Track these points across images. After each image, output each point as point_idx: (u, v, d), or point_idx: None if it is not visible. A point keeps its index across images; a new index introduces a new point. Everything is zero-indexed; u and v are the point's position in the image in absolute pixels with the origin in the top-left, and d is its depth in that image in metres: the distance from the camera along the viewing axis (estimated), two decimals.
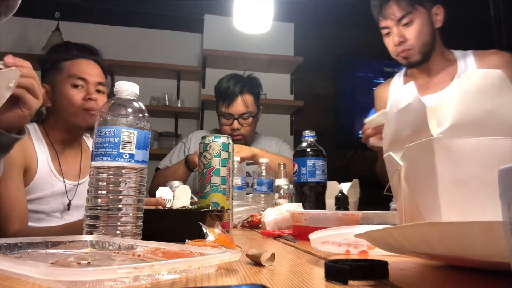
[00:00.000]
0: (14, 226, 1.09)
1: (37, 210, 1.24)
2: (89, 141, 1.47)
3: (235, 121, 1.92)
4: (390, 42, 1.50)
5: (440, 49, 1.51)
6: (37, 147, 1.27)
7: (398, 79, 1.69)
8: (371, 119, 1.31)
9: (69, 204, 1.31)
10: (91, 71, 1.31)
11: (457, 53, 1.53)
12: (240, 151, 1.69)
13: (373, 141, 1.34)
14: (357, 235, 0.44)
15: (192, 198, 1.23)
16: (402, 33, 1.45)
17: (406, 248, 0.39)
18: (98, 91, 1.32)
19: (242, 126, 1.93)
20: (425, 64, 1.51)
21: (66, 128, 1.31)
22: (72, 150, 1.36)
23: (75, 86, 1.28)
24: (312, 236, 0.54)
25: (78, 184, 1.34)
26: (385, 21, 1.48)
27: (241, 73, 2.07)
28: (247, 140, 1.99)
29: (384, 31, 1.51)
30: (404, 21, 1.44)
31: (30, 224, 1.19)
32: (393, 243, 0.39)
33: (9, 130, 0.81)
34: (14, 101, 0.78)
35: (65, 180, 1.30)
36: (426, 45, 1.47)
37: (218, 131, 2.04)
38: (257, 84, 2.04)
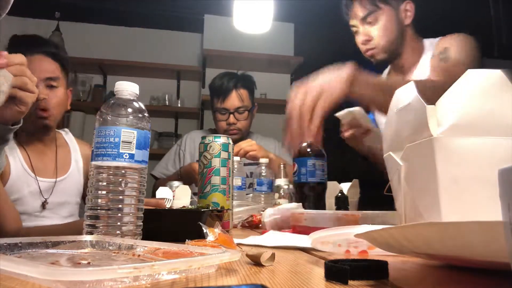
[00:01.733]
0: (9, 225, 1.08)
1: (19, 211, 1.22)
2: (67, 137, 1.43)
3: (231, 116, 1.92)
4: (358, 40, 1.49)
5: (412, 43, 1.46)
6: (7, 149, 1.25)
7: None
8: (341, 114, 1.32)
9: (44, 203, 1.28)
10: (37, 67, 1.21)
11: (426, 42, 1.48)
12: (258, 150, 1.69)
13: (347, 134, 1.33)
14: (357, 235, 0.44)
15: (191, 198, 1.23)
16: (366, 32, 1.43)
17: (406, 248, 0.39)
18: (49, 86, 1.25)
19: (238, 121, 1.94)
20: (396, 61, 1.48)
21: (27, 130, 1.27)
22: (45, 147, 1.33)
23: None
24: (312, 236, 0.54)
25: (56, 182, 1.31)
26: (352, 20, 1.46)
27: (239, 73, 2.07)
28: (243, 136, 1.99)
29: (354, 29, 1.49)
30: (368, 19, 1.41)
31: None
32: (393, 243, 0.39)
33: (5, 124, 0.82)
34: (10, 98, 0.78)
35: (41, 178, 1.27)
36: (391, 43, 1.43)
37: (213, 131, 2.04)
38: (251, 80, 2.05)
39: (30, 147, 1.29)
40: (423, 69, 1.42)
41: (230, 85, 1.93)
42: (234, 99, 1.93)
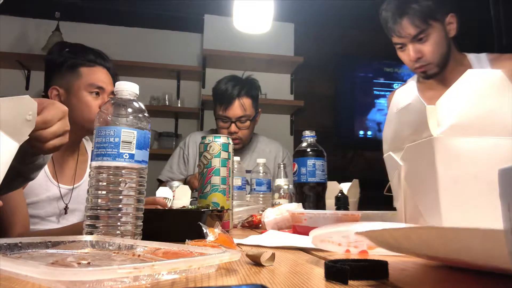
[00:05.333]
0: (16, 230, 1.09)
1: (32, 215, 1.23)
2: (88, 144, 1.46)
3: (233, 125, 1.89)
4: (404, 56, 1.47)
5: (454, 55, 1.48)
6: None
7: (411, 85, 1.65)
8: None
9: (66, 208, 1.30)
10: (107, 80, 1.34)
11: (471, 56, 1.50)
12: None
13: None
14: (358, 233, 0.44)
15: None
16: (418, 49, 1.41)
17: (406, 249, 0.39)
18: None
19: (240, 130, 1.91)
20: (442, 73, 1.49)
21: (72, 130, 1.29)
22: (70, 154, 1.35)
23: (93, 93, 1.30)
24: (312, 233, 0.54)
25: (73, 188, 1.33)
26: (397, 38, 1.44)
27: (241, 73, 2.04)
28: (244, 144, 1.97)
29: (398, 46, 1.48)
30: (419, 37, 1.40)
31: None
32: (393, 243, 0.39)
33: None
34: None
35: (60, 185, 1.29)
36: (443, 57, 1.44)
37: (215, 132, 2.03)
38: (256, 86, 2.00)
39: (58, 153, 1.28)
40: None
41: (234, 94, 1.88)
42: (237, 109, 1.89)
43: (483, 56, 1.48)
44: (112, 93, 1.34)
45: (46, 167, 1.26)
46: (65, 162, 1.34)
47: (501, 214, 0.23)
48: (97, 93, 1.30)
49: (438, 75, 1.48)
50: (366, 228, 0.43)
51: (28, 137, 0.62)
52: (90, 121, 1.28)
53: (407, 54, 1.44)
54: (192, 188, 1.72)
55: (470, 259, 0.33)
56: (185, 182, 1.87)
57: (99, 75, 1.32)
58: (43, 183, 1.25)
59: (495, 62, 1.45)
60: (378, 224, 0.48)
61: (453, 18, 1.44)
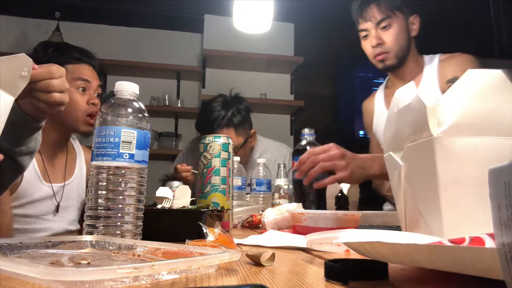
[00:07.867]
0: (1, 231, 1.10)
1: (27, 214, 1.25)
2: (75, 143, 1.49)
3: None
4: (367, 45, 1.54)
5: (414, 56, 1.55)
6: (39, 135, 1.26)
7: (380, 92, 1.73)
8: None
9: (58, 206, 1.32)
10: (92, 75, 1.35)
11: (426, 58, 1.56)
12: None
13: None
14: (345, 243, 0.43)
15: None
16: (380, 36, 1.49)
17: (392, 261, 0.38)
18: (97, 95, 1.36)
19: None
20: (400, 69, 1.54)
21: (60, 130, 1.31)
22: (59, 153, 1.36)
23: (80, 89, 1.30)
24: (307, 238, 0.55)
25: (64, 186, 1.35)
26: (364, 23, 1.52)
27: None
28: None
29: (362, 34, 1.54)
30: (383, 24, 1.48)
31: (21, 227, 1.22)
32: (378, 256, 0.38)
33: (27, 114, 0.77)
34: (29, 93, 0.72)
35: (52, 184, 1.31)
36: (402, 50, 1.50)
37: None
38: (239, 111, 1.83)
39: (48, 152, 1.31)
40: (426, 81, 1.51)
41: (210, 127, 1.75)
42: None
43: (436, 56, 1.55)
44: (99, 86, 1.36)
45: (36, 167, 1.27)
46: (55, 160, 1.35)
47: (491, 214, 0.23)
48: (83, 89, 1.31)
49: (396, 69, 1.55)
50: (353, 237, 0.43)
51: (34, 97, 0.69)
52: (75, 120, 1.29)
53: (370, 42, 1.52)
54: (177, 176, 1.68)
55: (461, 271, 0.32)
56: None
57: (84, 70, 1.33)
58: (35, 184, 1.27)
59: (444, 62, 1.51)
60: (365, 234, 0.48)
61: (416, 19, 1.53)
